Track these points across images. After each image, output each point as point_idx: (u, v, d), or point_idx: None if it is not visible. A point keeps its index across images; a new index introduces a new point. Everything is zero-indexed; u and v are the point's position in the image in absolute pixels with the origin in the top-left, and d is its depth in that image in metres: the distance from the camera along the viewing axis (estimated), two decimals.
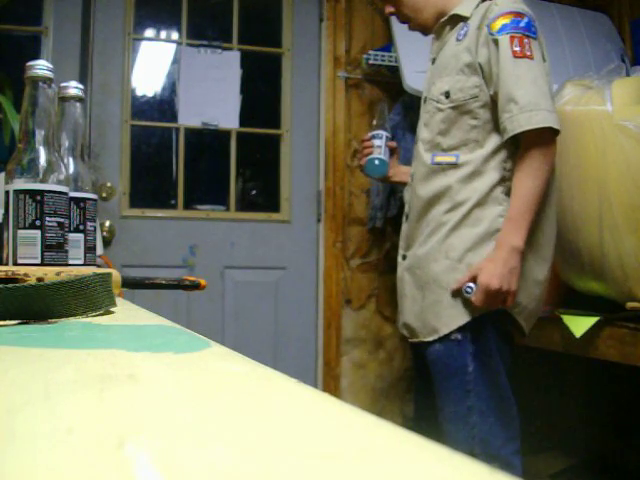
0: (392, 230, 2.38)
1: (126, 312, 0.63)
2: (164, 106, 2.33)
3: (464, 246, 1.29)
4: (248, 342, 2.25)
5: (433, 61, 1.41)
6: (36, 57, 1.12)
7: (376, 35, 2.39)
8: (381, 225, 2.31)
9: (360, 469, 0.16)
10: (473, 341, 1.27)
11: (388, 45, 2.31)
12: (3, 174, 0.78)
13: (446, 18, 1.36)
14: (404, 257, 1.44)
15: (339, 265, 2.33)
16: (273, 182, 2.40)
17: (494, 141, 1.29)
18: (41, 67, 0.76)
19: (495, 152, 1.29)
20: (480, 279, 1.23)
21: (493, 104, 1.28)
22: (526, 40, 1.23)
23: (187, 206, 2.28)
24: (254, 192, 2.48)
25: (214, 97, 2.29)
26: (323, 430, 0.20)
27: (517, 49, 1.22)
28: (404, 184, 1.60)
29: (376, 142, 1.57)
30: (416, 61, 2.18)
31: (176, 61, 2.31)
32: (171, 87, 2.33)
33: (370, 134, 1.59)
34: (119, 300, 0.66)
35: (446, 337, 1.29)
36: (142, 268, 2.14)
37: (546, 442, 1.27)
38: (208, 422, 0.21)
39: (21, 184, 0.74)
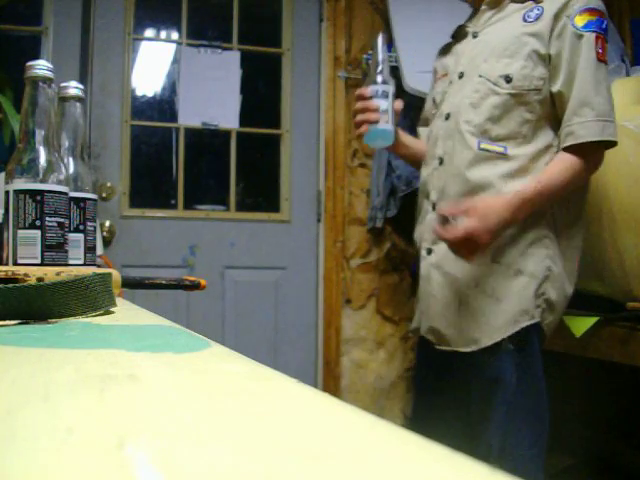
0: (392, 230, 2.38)
1: (126, 312, 0.63)
2: (164, 106, 2.33)
3: (514, 250, 1.17)
4: (248, 342, 2.25)
5: (475, 35, 1.27)
6: (36, 57, 1.13)
7: (376, 35, 2.38)
8: (381, 225, 2.31)
9: (360, 469, 0.16)
10: (519, 351, 1.18)
11: (388, 45, 2.31)
12: (3, 174, 0.78)
13: None
14: (429, 251, 1.27)
15: (339, 265, 2.33)
16: (273, 182, 2.40)
17: (542, 140, 1.19)
18: (41, 67, 0.76)
19: (543, 152, 1.19)
20: (473, 225, 1.10)
21: (552, 101, 1.18)
22: (606, 44, 1.15)
23: (187, 206, 2.28)
24: (254, 193, 2.48)
25: (214, 97, 2.29)
26: (323, 430, 0.20)
27: (600, 51, 1.13)
28: (404, 157, 1.43)
29: (381, 104, 1.23)
30: (416, 61, 2.18)
31: (176, 61, 2.31)
32: (171, 87, 2.33)
33: (371, 89, 1.25)
34: (119, 300, 0.67)
35: (495, 345, 1.18)
36: (142, 268, 2.14)
37: (546, 442, 1.27)
38: (208, 422, 0.21)
39: (21, 184, 0.74)
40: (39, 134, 0.76)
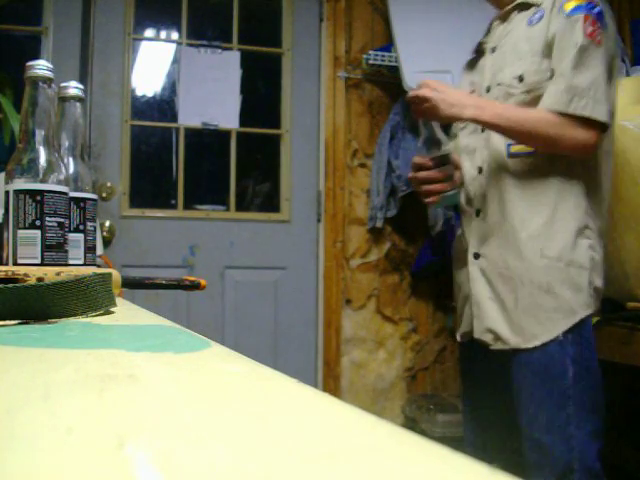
0: (392, 230, 2.38)
1: (126, 312, 0.63)
2: (164, 106, 2.33)
3: (561, 243, 1.19)
4: (248, 342, 2.25)
5: (493, 49, 1.32)
6: (36, 57, 1.13)
7: (376, 35, 2.39)
8: (381, 225, 2.31)
9: (360, 469, 0.16)
10: (574, 343, 1.17)
11: (388, 45, 2.31)
12: (3, 174, 0.78)
13: (515, 4, 1.28)
14: (476, 255, 1.29)
15: (339, 265, 2.33)
16: (273, 182, 2.40)
17: None
18: (41, 67, 0.76)
19: None
20: (431, 92, 1.19)
21: None
22: (599, 25, 1.17)
23: (187, 206, 2.28)
24: (254, 192, 2.48)
25: (214, 97, 2.29)
26: (323, 430, 0.20)
27: (590, 30, 1.16)
28: None
29: (444, 171, 1.27)
30: (416, 61, 2.18)
31: (176, 61, 2.31)
32: (171, 87, 2.33)
33: (433, 158, 1.27)
34: (119, 300, 0.66)
35: (551, 340, 1.18)
36: (142, 268, 2.14)
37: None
38: (208, 422, 0.21)
39: (21, 184, 0.74)
40: (39, 134, 0.76)
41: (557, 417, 1.16)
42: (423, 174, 1.28)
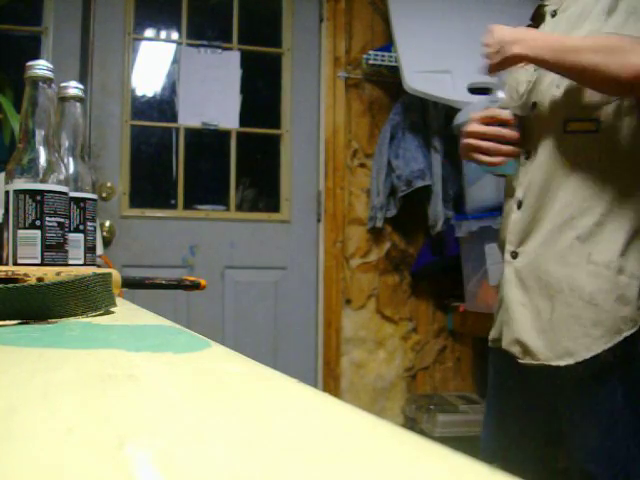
0: (392, 230, 2.38)
1: (126, 312, 0.63)
2: (164, 106, 2.33)
3: (614, 247, 1.01)
4: (248, 342, 2.25)
5: (553, 13, 1.12)
6: (36, 57, 1.13)
7: (376, 35, 2.39)
8: (381, 225, 2.31)
9: (360, 469, 0.16)
10: (623, 361, 1.02)
11: (388, 45, 2.31)
12: (3, 174, 0.78)
13: None
14: (514, 255, 1.13)
15: (339, 265, 2.33)
16: (273, 182, 2.40)
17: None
18: (41, 67, 0.76)
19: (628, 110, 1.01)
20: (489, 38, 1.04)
21: None
22: None
23: (187, 206, 2.28)
24: (254, 193, 2.48)
25: (214, 97, 2.30)
26: (323, 430, 0.20)
27: None
28: None
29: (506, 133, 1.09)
30: (416, 61, 2.18)
31: (176, 61, 2.31)
32: (171, 87, 2.33)
33: (510, 115, 1.09)
34: (119, 300, 0.66)
35: (593, 357, 1.02)
36: (142, 268, 2.14)
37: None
38: (208, 422, 0.21)
39: (21, 184, 0.74)
40: (39, 134, 0.76)
41: (606, 443, 1.03)
42: (493, 130, 1.09)
